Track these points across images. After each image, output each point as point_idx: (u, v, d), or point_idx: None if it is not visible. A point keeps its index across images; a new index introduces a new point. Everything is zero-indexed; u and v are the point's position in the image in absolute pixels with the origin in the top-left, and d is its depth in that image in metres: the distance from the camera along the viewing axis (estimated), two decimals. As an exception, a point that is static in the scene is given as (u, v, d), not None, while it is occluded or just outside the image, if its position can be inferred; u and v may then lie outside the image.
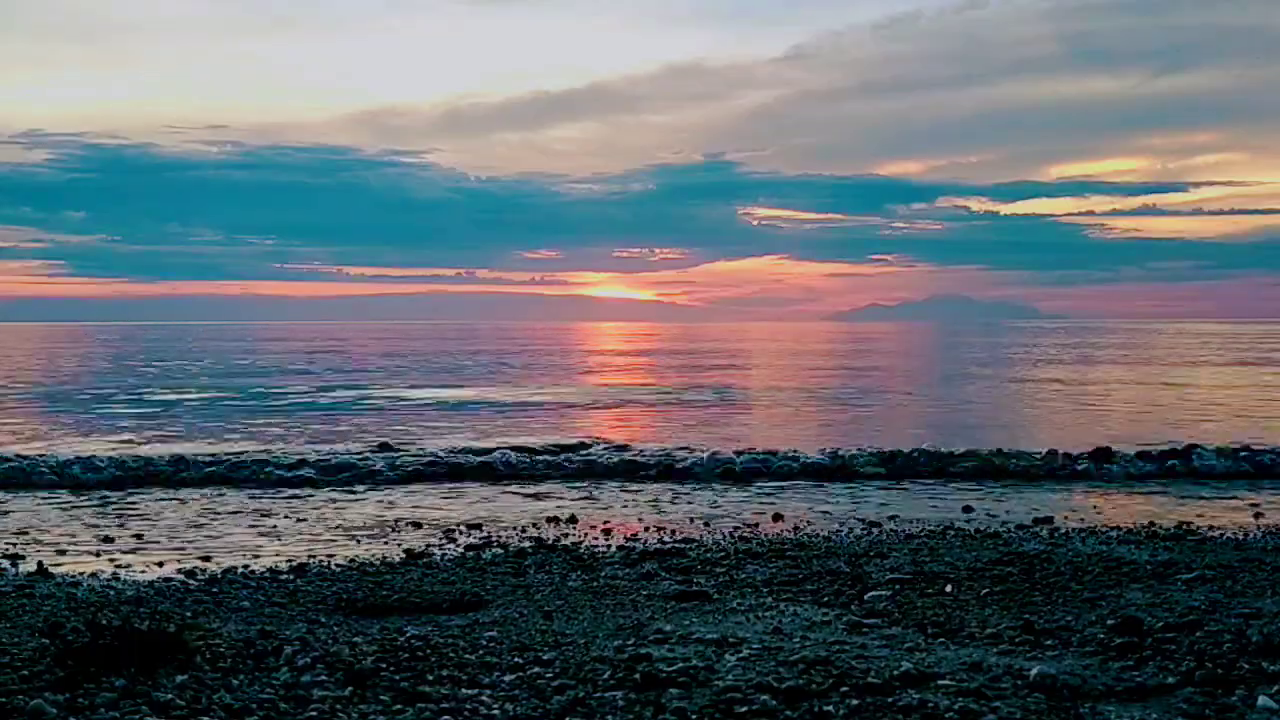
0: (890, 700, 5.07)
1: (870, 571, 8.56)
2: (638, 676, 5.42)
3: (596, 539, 10.59)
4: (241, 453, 16.34)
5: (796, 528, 11.27)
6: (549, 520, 11.77)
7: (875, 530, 11.09)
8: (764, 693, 5.15)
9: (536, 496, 13.64)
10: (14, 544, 10.18)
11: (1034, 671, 5.42)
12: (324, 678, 5.43)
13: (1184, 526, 11.05)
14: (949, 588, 7.95)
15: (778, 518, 11.97)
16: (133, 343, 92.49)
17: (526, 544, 10.15)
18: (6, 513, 12.18)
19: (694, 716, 4.91)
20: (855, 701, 5.07)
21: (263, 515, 12.03)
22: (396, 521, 11.71)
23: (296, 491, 13.85)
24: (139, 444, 18.93)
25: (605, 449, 17.36)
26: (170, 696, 5.02)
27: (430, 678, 5.46)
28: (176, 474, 14.75)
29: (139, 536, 10.71)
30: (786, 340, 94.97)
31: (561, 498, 13.51)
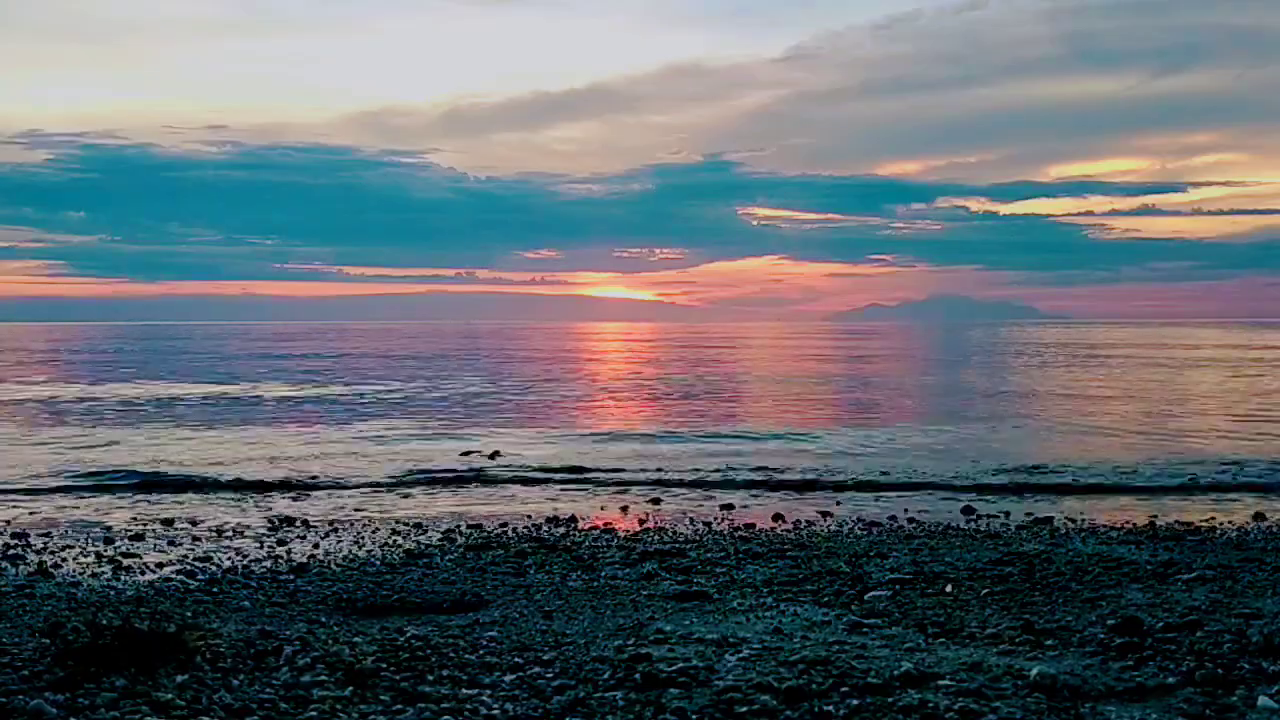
0: (890, 700, 5.06)
1: (870, 571, 8.55)
2: (638, 676, 5.41)
3: (596, 539, 10.58)
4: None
5: (797, 527, 11.27)
6: (549, 520, 11.78)
7: (875, 530, 11.09)
8: (764, 693, 5.15)
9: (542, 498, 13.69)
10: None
11: (1034, 671, 5.42)
12: (324, 678, 5.42)
13: (1184, 525, 11.07)
14: (949, 588, 7.95)
15: (778, 518, 11.97)
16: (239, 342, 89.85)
17: (527, 544, 10.15)
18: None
19: (694, 716, 4.91)
20: (855, 701, 5.06)
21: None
22: (397, 521, 11.72)
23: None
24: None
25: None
26: (170, 696, 5.01)
27: (430, 678, 5.46)
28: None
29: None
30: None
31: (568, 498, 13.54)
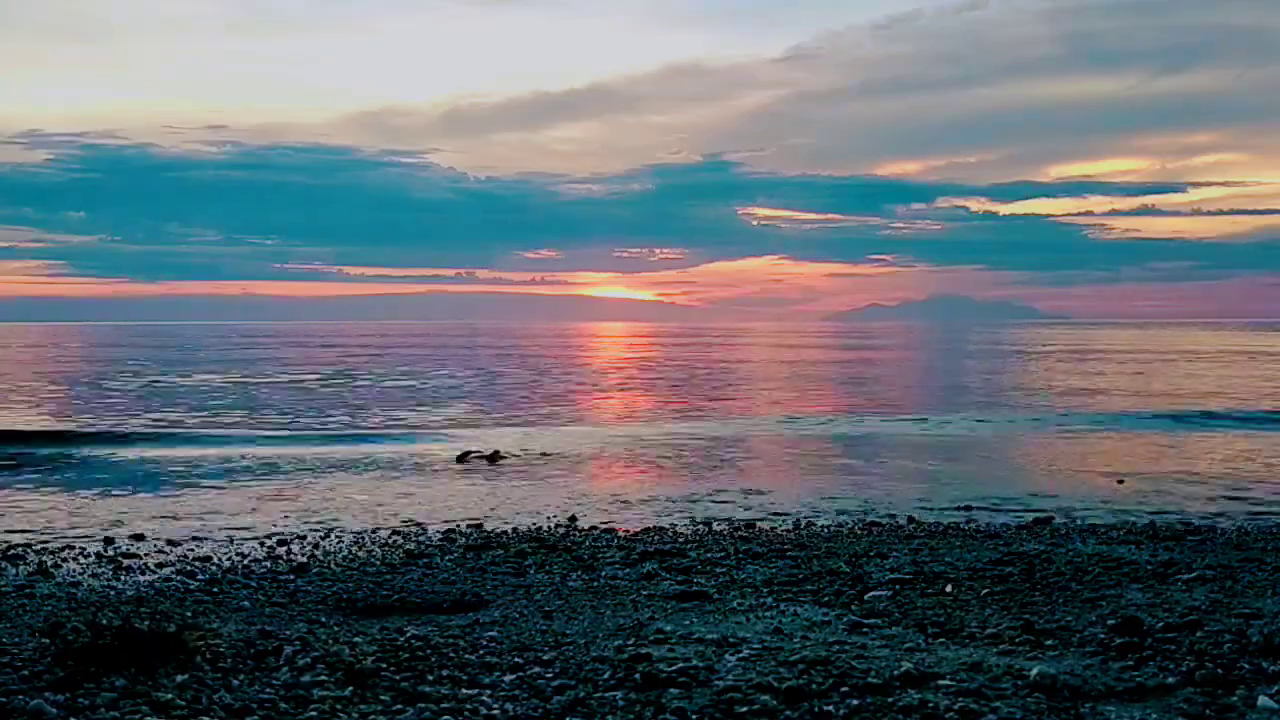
0: (890, 700, 5.06)
1: (870, 571, 8.56)
2: (638, 676, 5.41)
3: (597, 539, 10.58)
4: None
5: (797, 527, 11.27)
6: (549, 520, 11.78)
7: (875, 530, 11.09)
8: (764, 693, 5.15)
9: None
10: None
11: (1034, 671, 5.42)
12: (324, 678, 5.42)
13: (1184, 525, 11.07)
14: (949, 588, 7.95)
15: (777, 517, 11.97)
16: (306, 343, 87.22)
17: (527, 544, 10.15)
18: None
19: (694, 716, 4.91)
20: (855, 701, 5.06)
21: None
22: (397, 521, 11.72)
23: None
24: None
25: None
26: (170, 696, 5.01)
27: (431, 678, 5.46)
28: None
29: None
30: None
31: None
